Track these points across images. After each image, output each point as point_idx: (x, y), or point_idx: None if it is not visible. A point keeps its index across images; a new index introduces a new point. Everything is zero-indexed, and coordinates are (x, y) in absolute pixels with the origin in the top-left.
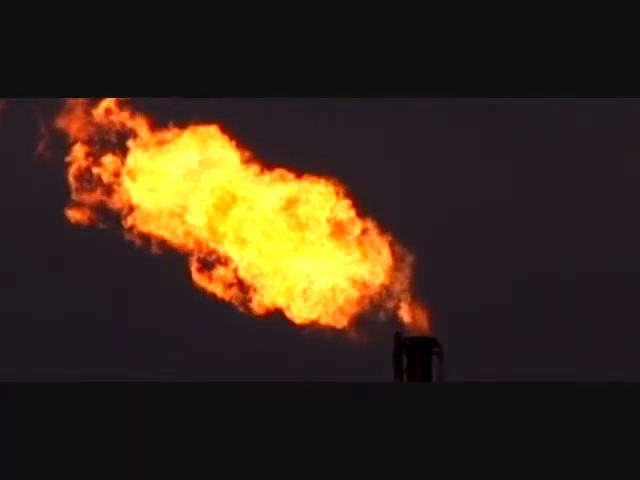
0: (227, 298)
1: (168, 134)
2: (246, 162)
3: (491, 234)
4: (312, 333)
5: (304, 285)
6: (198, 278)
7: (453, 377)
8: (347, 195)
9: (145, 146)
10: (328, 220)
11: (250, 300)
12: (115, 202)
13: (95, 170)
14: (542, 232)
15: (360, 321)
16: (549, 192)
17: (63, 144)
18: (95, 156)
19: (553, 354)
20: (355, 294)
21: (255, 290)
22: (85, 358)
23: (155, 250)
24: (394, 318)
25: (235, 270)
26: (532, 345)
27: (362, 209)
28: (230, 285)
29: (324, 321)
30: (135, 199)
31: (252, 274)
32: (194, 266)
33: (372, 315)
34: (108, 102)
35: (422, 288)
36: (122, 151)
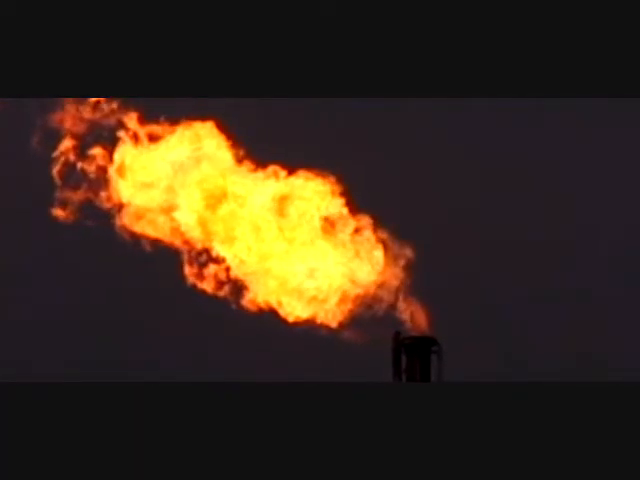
0: (219, 297)
1: (160, 129)
2: (240, 159)
3: (491, 234)
4: (307, 332)
5: (302, 284)
6: (190, 276)
7: (452, 377)
8: (346, 194)
9: (137, 141)
10: (324, 218)
11: (243, 299)
12: (105, 199)
13: (84, 166)
14: (542, 232)
15: (358, 320)
16: (549, 192)
17: (55, 140)
18: (84, 152)
19: (553, 354)
20: (352, 293)
21: (248, 288)
22: (79, 358)
23: (146, 249)
24: (393, 317)
25: (228, 268)
26: (532, 345)
27: (361, 208)
28: (223, 283)
29: (320, 320)
30: (126, 196)
31: (246, 272)
32: (186, 264)
33: (369, 314)
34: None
35: (422, 288)
36: (113, 147)
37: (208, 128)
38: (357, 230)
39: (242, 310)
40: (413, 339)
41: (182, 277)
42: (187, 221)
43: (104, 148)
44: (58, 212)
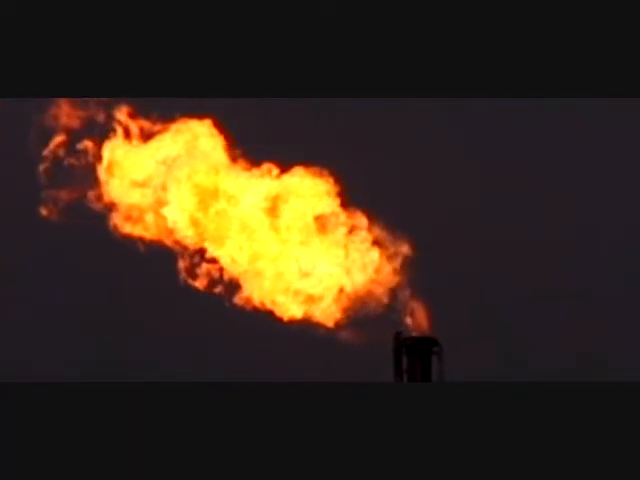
0: (217, 296)
1: (155, 127)
2: (237, 157)
3: (491, 234)
4: (306, 332)
5: (300, 283)
6: (188, 276)
7: (453, 377)
8: (345, 193)
9: (132, 139)
10: (323, 217)
11: (241, 299)
12: (97, 199)
13: (76, 165)
14: (542, 232)
15: (357, 320)
16: (549, 192)
17: (51, 138)
18: (78, 151)
19: (553, 354)
20: (351, 292)
21: (245, 288)
22: (80, 358)
23: (142, 249)
24: (392, 317)
25: (224, 268)
26: (532, 345)
27: (361, 208)
28: (221, 283)
29: (318, 320)
30: (120, 194)
31: (241, 271)
32: (180, 264)
33: (369, 314)
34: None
35: (422, 288)
36: (106, 145)
37: (204, 126)
38: (357, 229)
39: (241, 309)
40: (414, 339)
41: (180, 277)
42: (181, 220)
43: (97, 146)
44: (48, 211)
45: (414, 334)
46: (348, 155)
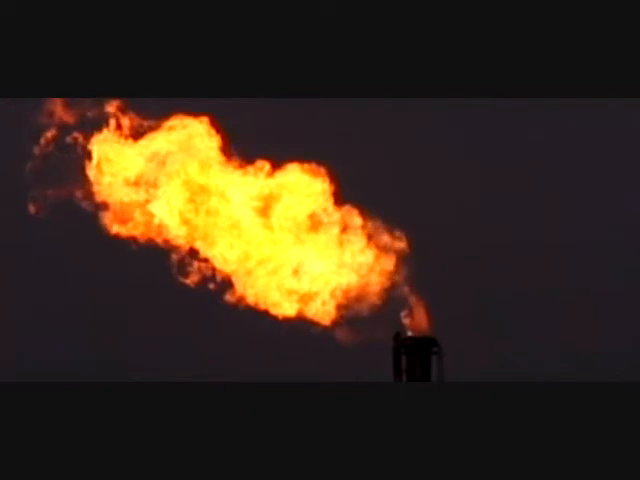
0: (209, 295)
1: (151, 125)
2: (230, 155)
3: (491, 234)
4: (304, 332)
5: (299, 282)
6: (178, 276)
7: (452, 377)
8: (343, 192)
9: (123, 136)
10: (319, 215)
11: (234, 297)
12: (88, 196)
13: (68, 163)
14: (542, 232)
15: (357, 319)
16: (549, 192)
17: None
18: (71, 148)
19: (553, 354)
20: (350, 292)
21: (239, 286)
22: (80, 358)
23: (133, 247)
24: (390, 317)
25: (217, 266)
26: (532, 345)
27: (360, 208)
28: (214, 281)
29: (317, 319)
30: (112, 192)
31: (237, 269)
32: (173, 263)
33: (367, 314)
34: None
35: (422, 288)
36: (98, 141)
37: (199, 124)
38: (357, 228)
39: (236, 309)
40: (413, 340)
41: (173, 276)
42: (173, 219)
43: (88, 143)
44: (36, 209)
45: (413, 334)
46: (347, 155)
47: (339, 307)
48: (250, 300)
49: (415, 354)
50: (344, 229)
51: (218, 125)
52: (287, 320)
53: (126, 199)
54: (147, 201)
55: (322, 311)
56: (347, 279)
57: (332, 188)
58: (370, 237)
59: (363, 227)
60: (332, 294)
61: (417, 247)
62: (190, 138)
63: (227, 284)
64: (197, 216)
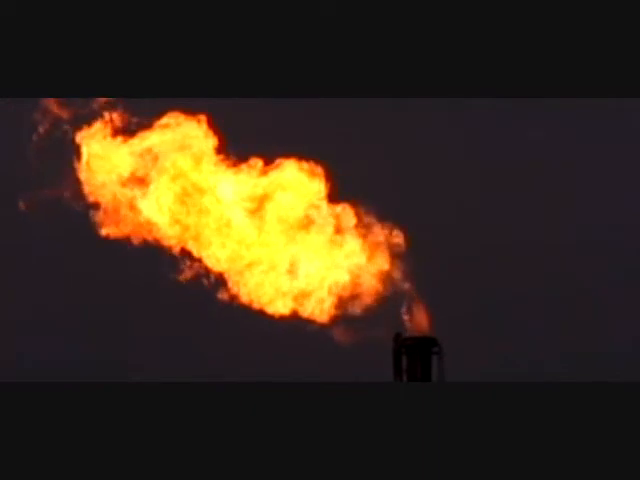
0: (209, 295)
1: (147, 124)
2: (223, 152)
3: (491, 234)
4: (304, 331)
5: (297, 280)
6: (179, 275)
7: (453, 377)
8: (342, 191)
9: (116, 133)
10: (318, 214)
11: (229, 296)
12: (79, 195)
13: (62, 160)
14: (542, 232)
15: (355, 319)
16: (549, 192)
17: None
18: (64, 147)
19: (553, 354)
20: (348, 291)
21: (235, 285)
22: (80, 358)
23: (134, 247)
24: (389, 316)
25: (212, 265)
26: (532, 345)
27: (362, 208)
28: (213, 281)
29: (315, 318)
30: (104, 190)
31: (232, 267)
32: (174, 262)
33: (367, 313)
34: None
35: (421, 288)
36: (89, 139)
37: (196, 124)
38: (356, 228)
39: (232, 308)
40: (414, 340)
41: (166, 275)
42: (165, 218)
43: (79, 140)
44: (26, 206)
45: (414, 334)
46: (347, 155)
47: (339, 307)
48: (250, 300)
49: (415, 354)
50: (344, 227)
51: (215, 124)
52: (286, 320)
53: (122, 198)
54: (142, 200)
55: (322, 311)
56: (347, 279)
57: (329, 186)
58: (371, 236)
59: (362, 226)
60: (332, 294)
61: (417, 247)
62: (186, 136)
63: (225, 283)
64: (193, 215)
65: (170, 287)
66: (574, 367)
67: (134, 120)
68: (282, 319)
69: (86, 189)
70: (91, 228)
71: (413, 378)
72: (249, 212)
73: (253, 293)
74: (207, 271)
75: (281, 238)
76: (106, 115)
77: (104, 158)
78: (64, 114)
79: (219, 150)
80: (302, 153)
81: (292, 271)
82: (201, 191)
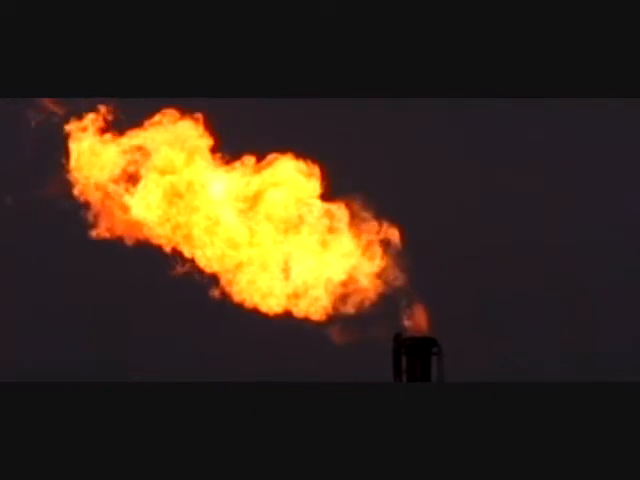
0: (209, 294)
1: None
2: (219, 150)
3: (491, 234)
4: (304, 331)
5: (297, 279)
6: (173, 274)
7: (452, 377)
8: (341, 191)
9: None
10: (317, 212)
11: (226, 294)
12: (71, 193)
13: (56, 158)
14: (542, 232)
15: (355, 319)
16: (549, 192)
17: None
18: (59, 145)
19: (553, 354)
20: (348, 291)
21: (232, 284)
22: (80, 358)
23: (134, 247)
24: (389, 316)
25: (208, 264)
26: (532, 345)
27: (361, 207)
28: (208, 279)
29: (314, 318)
30: (97, 188)
31: (229, 265)
32: (161, 259)
33: (367, 314)
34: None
35: (421, 288)
36: (82, 137)
37: (192, 123)
38: (355, 227)
39: (229, 307)
40: (413, 340)
41: (161, 274)
42: (156, 216)
43: (71, 139)
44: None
45: (413, 334)
46: (347, 154)
47: (339, 307)
48: (250, 299)
49: (415, 354)
50: (343, 227)
51: (211, 124)
52: (286, 320)
53: (121, 198)
54: (139, 200)
55: (322, 311)
56: (347, 279)
57: (326, 184)
58: (371, 237)
59: (363, 226)
60: (332, 294)
61: (417, 247)
62: (183, 135)
63: (226, 283)
64: (192, 215)
65: (170, 287)
66: (574, 367)
67: (132, 119)
68: (282, 319)
69: (86, 189)
70: (91, 228)
71: (413, 378)
72: (249, 212)
73: (253, 293)
74: (206, 271)
75: (280, 238)
76: (101, 114)
77: (98, 157)
78: (57, 114)
79: (214, 149)
80: (301, 153)
81: (292, 271)
82: (202, 191)
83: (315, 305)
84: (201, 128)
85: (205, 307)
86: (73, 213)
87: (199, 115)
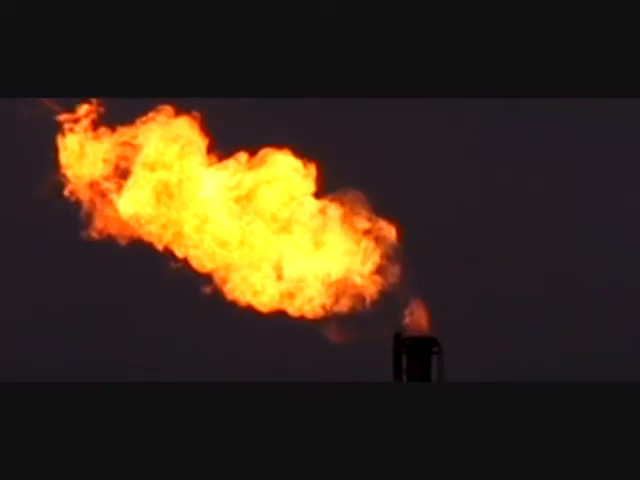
0: (209, 294)
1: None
2: (214, 148)
3: (491, 234)
4: (304, 331)
5: (295, 278)
6: (163, 271)
7: (452, 377)
8: (340, 190)
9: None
10: (317, 211)
11: (223, 293)
12: (64, 192)
13: (52, 157)
14: (542, 232)
15: (355, 319)
16: (549, 192)
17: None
18: (54, 144)
19: (553, 354)
20: (348, 291)
21: (241, 285)
22: (80, 358)
23: (133, 246)
24: (389, 316)
25: (203, 263)
26: (532, 345)
27: (362, 207)
28: (198, 277)
29: (314, 318)
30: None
31: (226, 265)
32: (161, 259)
33: (367, 314)
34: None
35: (421, 288)
36: (74, 135)
37: (188, 122)
38: (356, 227)
39: (227, 306)
40: (413, 340)
41: (156, 273)
42: (151, 213)
43: (64, 138)
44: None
45: (413, 334)
46: (347, 154)
47: (339, 307)
48: (250, 299)
49: (415, 354)
50: (344, 227)
51: (208, 124)
52: (286, 320)
53: (119, 197)
54: (133, 200)
55: (322, 311)
56: (346, 278)
57: (323, 183)
58: (370, 236)
59: (360, 223)
60: (331, 293)
61: (417, 247)
62: (173, 131)
63: (226, 284)
64: (182, 211)
65: (170, 287)
66: (574, 367)
67: (129, 119)
68: (282, 319)
69: (84, 188)
70: (91, 228)
71: (413, 378)
72: (248, 212)
73: (255, 293)
74: (207, 271)
75: (279, 237)
76: (95, 112)
77: (90, 154)
78: (55, 113)
79: (209, 145)
80: (301, 152)
81: (292, 270)
82: (191, 187)
83: (317, 306)
84: (196, 127)
85: (205, 307)
86: (73, 212)
87: (196, 114)
